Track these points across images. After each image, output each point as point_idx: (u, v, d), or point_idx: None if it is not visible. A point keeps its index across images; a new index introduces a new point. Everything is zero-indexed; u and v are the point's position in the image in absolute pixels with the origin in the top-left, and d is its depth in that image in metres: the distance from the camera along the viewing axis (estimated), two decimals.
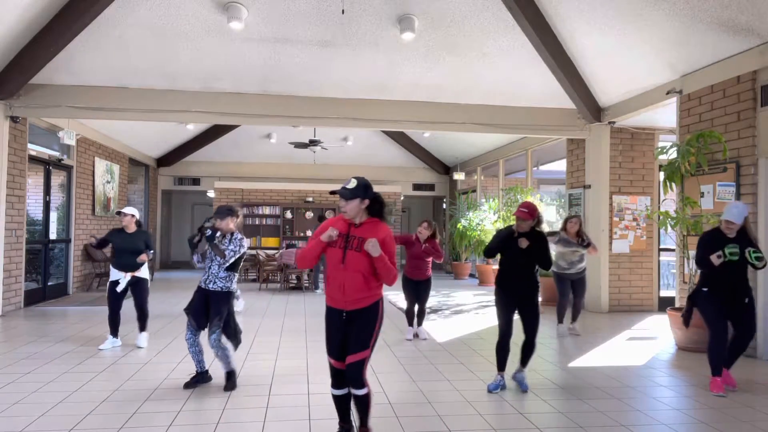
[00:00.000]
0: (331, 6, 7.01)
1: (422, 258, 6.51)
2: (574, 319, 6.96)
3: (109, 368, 5.09)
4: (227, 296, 4.45)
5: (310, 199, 15.12)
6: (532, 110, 9.27)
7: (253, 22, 7.26)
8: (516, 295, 4.56)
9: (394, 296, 9.37)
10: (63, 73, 7.99)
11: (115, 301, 5.83)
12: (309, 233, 14.31)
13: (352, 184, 3.28)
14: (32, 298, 8.81)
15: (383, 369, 5.19)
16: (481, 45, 7.88)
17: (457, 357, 5.65)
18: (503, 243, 4.60)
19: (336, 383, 3.33)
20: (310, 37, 7.64)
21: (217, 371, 4.63)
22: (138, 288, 5.92)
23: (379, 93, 8.95)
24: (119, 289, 5.80)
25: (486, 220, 12.07)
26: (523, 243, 4.45)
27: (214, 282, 4.41)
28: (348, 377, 3.23)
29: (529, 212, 4.47)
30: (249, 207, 14.93)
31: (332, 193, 3.36)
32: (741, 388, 4.68)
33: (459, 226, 13.41)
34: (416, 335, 6.66)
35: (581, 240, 6.76)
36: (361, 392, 3.24)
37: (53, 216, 9.65)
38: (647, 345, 6.41)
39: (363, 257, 3.21)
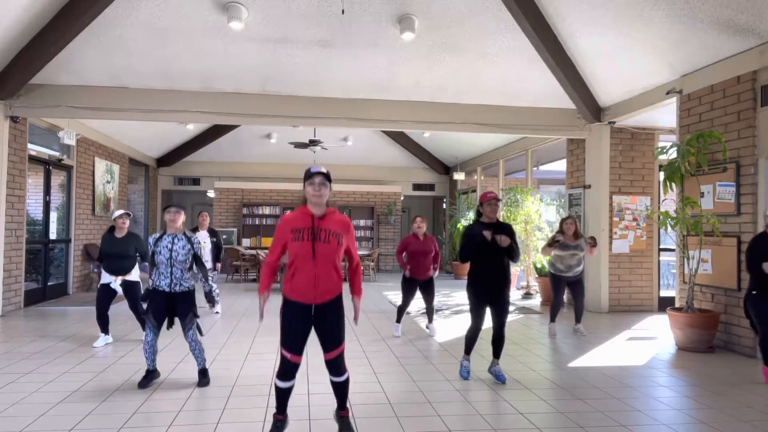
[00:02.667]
0: (331, 6, 7.01)
1: (424, 254, 6.51)
2: (578, 320, 6.98)
3: (108, 368, 5.09)
4: (193, 294, 4.67)
5: None
6: (532, 110, 9.28)
7: (253, 22, 7.27)
8: (489, 289, 4.69)
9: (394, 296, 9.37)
10: (63, 73, 8.00)
11: (103, 303, 5.94)
12: None
13: (324, 169, 3.28)
14: (32, 298, 8.81)
15: (383, 369, 5.20)
16: (481, 45, 7.88)
17: (457, 357, 5.64)
18: (480, 240, 4.60)
19: (287, 376, 3.35)
20: (310, 37, 7.64)
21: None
22: (128, 292, 5.97)
23: (379, 93, 8.95)
24: (113, 290, 5.91)
25: None
26: (489, 235, 4.54)
27: (180, 284, 4.56)
28: (333, 370, 3.39)
29: (496, 196, 4.66)
30: (249, 207, 14.94)
31: (311, 175, 3.22)
32: (741, 388, 4.68)
33: (459, 226, 13.42)
34: (427, 328, 6.88)
35: (590, 240, 6.86)
36: (343, 378, 3.43)
37: (53, 216, 9.65)
38: (647, 345, 6.42)
39: (333, 249, 3.21)
